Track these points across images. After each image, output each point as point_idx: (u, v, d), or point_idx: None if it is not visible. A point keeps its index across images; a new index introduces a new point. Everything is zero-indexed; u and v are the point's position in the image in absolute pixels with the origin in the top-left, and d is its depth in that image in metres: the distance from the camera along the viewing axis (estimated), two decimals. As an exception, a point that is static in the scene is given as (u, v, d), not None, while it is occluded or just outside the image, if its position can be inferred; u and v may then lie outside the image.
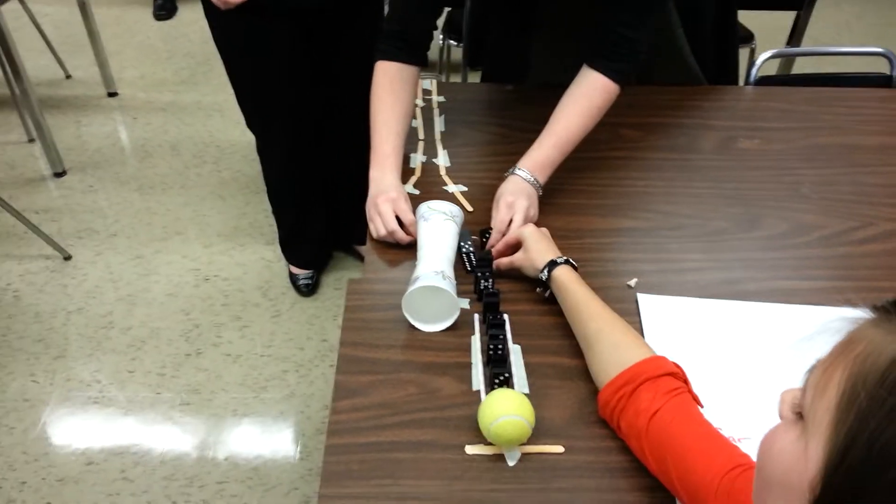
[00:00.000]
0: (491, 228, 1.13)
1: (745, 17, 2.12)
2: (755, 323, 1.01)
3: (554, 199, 1.21)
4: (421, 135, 1.39)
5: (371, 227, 1.14)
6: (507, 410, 0.81)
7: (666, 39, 1.48)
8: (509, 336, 0.98)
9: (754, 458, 0.53)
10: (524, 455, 0.84)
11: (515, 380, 0.93)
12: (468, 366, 0.95)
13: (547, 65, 1.51)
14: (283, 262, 2.22)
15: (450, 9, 2.46)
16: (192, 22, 3.65)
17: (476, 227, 1.16)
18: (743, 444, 0.76)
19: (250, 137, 1.96)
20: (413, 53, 1.24)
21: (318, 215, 2.10)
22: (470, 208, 1.21)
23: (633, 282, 1.08)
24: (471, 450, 0.84)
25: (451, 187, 1.26)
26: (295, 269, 2.18)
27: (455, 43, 2.43)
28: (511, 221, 1.10)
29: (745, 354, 0.96)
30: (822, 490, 0.43)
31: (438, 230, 1.07)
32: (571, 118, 1.18)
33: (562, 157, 1.18)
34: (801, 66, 2.50)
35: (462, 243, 1.11)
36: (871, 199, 1.26)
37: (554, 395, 0.91)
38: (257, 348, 2.00)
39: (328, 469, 0.82)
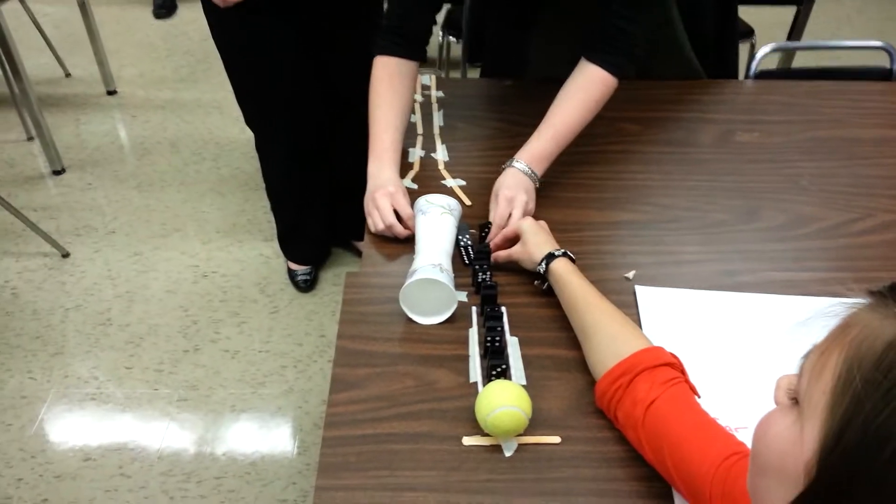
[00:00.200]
0: (490, 223, 1.13)
1: (746, 13, 2.12)
2: (753, 314, 1.01)
3: (552, 192, 1.21)
4: (420, 129, 1.39)
5: (369, 220, 1.14)
6: (503, 401, 0.80)
7: (666, 35, 1.48)
8: (507, 328, 0.98)
9: (750, 446, 0.52)
10: (521, 446, 0.84)
11: (513, 371, 0.92)
12: (465, 358, 0.95)
13: (546, 60, 1.50)
14: (282, 258, 2.22)
15: (449, 5, 2.46)
16: (191, 20, 3.65)
17: (474, 222, 1.16)
18: (740, 434, 0.75)
19: (249, 134, 1.96)
20: (412, 48, 1.24)
21: (317, 211, 2.10)
22: (468, 202, 1.21)
23: (631, 274, 1.07)
24: (468, 441, 0.84)
25: (450, 182, 1.26)
26: (293, 266, 2.18)
27: (454, 39, 2.42)
28: (510, 216, 1.10)
29: (743, 345, 0.96)
30: (818, 473, 0.43)
31: (436, 224, 1.07)
32: (569, 111, 1.18)
33: (559, 150, 1.18)
34: (801, 62, 2.50)
35: (460, 236, 1.11)
36: (871, 191, 1.26)
37: (551, 387, 0.91)
38: (255, 344, 2.00)
39: (325, 461, 0.82)
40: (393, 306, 1.00)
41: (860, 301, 0.46)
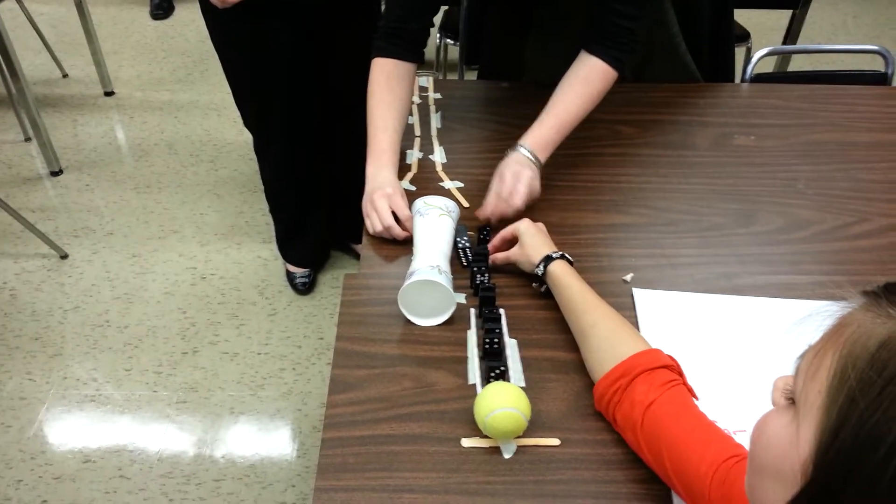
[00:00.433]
0: (490, 227, 1.13)
1: (742, 17, 2.13)
2: (750, 317, 1.02)
3: (550, 194, 1.21)
4: (417, 131, 1.39)
5: (367, 222, 1.14)
6: (502, 403, 0.81)
7: (662, 37, 1.49)
8: (505, 330, 0.99)
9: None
10: (520, 448, 0.84)
11: (512, 373, 0.93)
12: (464, 360, 0.95)
13: (543, 62, 1.51)
14: (280, 260, 2.22)
15: (447, 7, 2.46)
16: (189, 21, 3.65)
17: (472, 224, 1.16)
18: (738, 437, 0.76)
19: (247, 136, 1.96)
20: (410, 50, 1.25)
21: (315, 214, 2.10)
22: (466, 204, 1.21)
23: (628, 276, 1.08)
24: (467, 443, 0.85)
25: (448, 184, 1.27)
26: (292, 268, 2.18)
27: (452, 41, 2.43)
28: (512, 196, 1.10)
29: (741, 349, 0.97)
30: (814, 473, 0.43)
31: (434, 225, 1.07)
32: (571, 100, 1.18)
33: (560, 139, 1.18)
34: (797, 66, 2.51)
35: (458, 238, 1.11)
36: (867, 195, 1.26)
37: (550, 389, 0.91)
38: (254, 346, 2.00)
39: (324, 462, 0.82)
40: (391, 308, 1.00)
41: (854, 301, 0.47)
